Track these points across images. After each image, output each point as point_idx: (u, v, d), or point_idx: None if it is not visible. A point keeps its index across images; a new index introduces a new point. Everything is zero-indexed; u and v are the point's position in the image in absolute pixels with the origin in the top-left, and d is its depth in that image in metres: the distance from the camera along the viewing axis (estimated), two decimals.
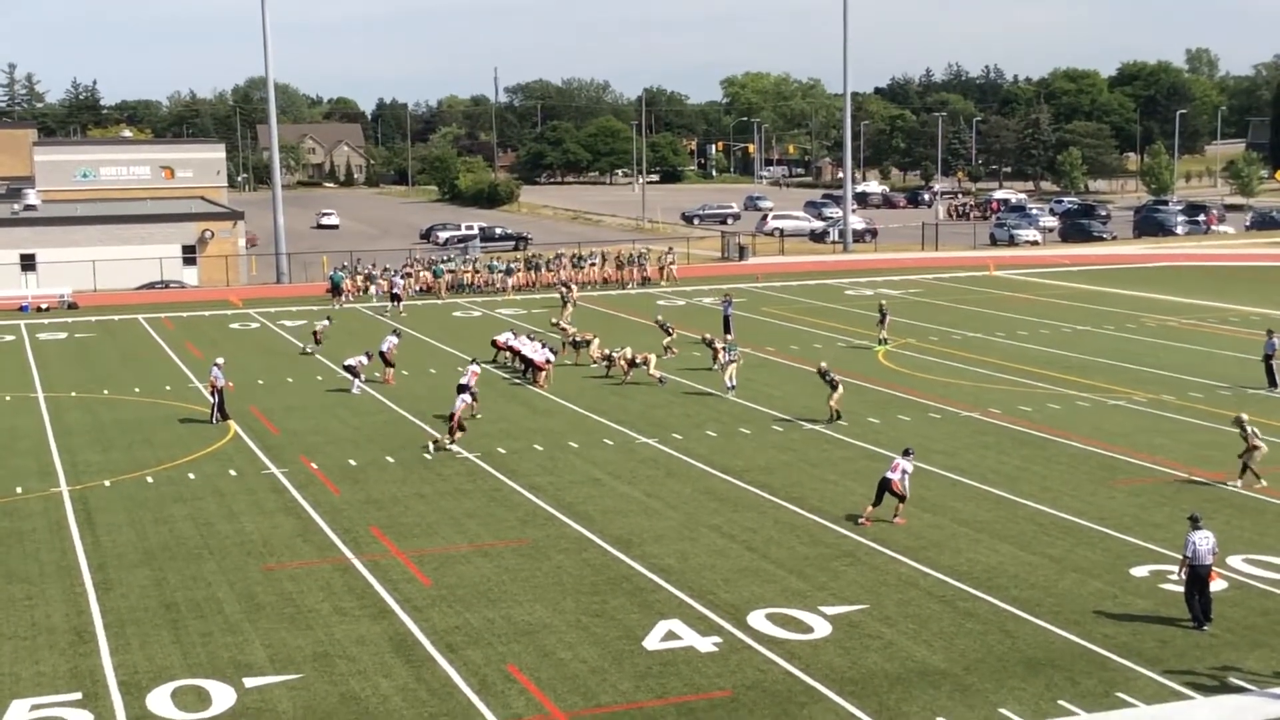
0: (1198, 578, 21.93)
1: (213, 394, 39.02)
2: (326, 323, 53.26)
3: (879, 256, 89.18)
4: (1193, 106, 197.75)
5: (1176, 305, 61.64)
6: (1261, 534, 26.87)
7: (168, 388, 44.78)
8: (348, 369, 43.01)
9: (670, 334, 48.21)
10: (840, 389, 37.14)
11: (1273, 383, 41.16)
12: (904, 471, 27.64)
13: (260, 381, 45.44)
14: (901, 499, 27.68)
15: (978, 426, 36.54)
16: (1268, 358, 41.67)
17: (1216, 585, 23.81)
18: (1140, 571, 24.74)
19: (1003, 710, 19.05)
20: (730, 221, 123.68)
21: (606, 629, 22.26)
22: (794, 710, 19.17)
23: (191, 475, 32.89)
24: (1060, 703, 19.27)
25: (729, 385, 41.12)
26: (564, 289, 61.78)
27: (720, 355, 43.05)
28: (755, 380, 43.28)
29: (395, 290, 64.23)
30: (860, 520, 27.77)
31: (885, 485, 27.60)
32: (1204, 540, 21.87)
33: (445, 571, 25.28)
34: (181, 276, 77.34)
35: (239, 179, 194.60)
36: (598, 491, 30.74)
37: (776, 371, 45.45)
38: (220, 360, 40.08)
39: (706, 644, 21.55)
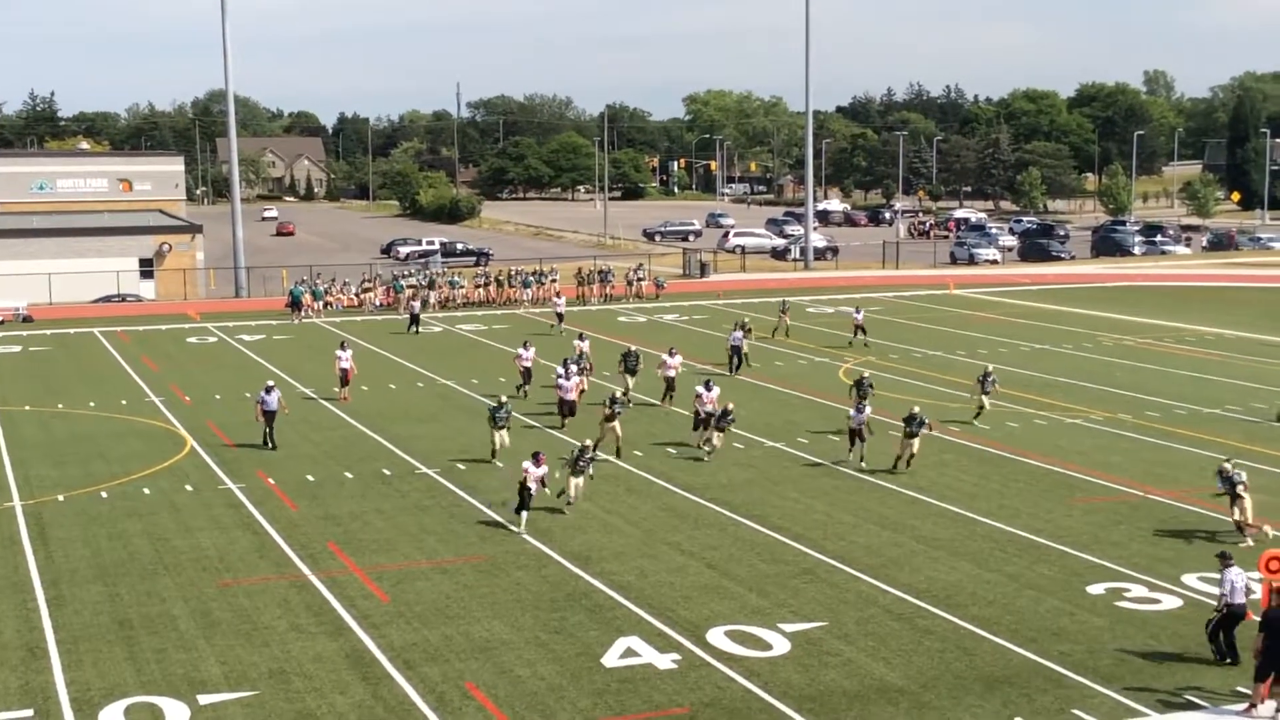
0: (1236, 618, 21.14)
1: (263, 419, 37.07)
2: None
3: (840, 274, 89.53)
4: (1150, 128, 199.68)
5: (1133, 325, 62.11)
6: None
7: (123, 402, 44.40)
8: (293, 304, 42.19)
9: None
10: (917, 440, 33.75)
11: None
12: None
13: (217, 396, 45.13)
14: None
15: (937, 444, 36.64)
16: None
17: (1172, 603, 24.00)
18: (1097, 589, 24.87)
19: None
20: (692, 238, 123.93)
21: (565, 646, 22.18)
22: None
23: (147, 490, 32.60)
24: (1017, 719, 19.35)
25: (710, 449, 35.54)
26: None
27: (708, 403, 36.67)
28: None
29: (414, 311, 61.57)
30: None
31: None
32: (1240, 578, 21.17)
33: (403, 588, 25.14)
34: (139, 290, 76.79)
35: (197, 192, 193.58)
36: (557, 507, 30.62)
37: (738, 389, 45.45)
38: (271, 383, 38.12)
39: (665, 661, 21.50)
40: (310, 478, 33.67)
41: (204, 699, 20.14)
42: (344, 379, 43.90)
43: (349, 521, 29.69)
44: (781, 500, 31.22)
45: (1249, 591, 21.29)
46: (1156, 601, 24.19)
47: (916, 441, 33.61)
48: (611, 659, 21.61)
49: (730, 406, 35.86)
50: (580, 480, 30.39)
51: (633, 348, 43.77)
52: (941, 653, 21.86)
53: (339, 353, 44.52)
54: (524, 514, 28.58)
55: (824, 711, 19.65)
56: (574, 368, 41.41)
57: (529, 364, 44.07)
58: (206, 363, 52.96)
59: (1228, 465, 28.20)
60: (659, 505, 30.86)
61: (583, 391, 41.29)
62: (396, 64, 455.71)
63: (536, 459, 28.86)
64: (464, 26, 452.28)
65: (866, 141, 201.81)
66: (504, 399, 36.06)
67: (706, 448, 35.38)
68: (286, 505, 31.10)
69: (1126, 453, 35.90)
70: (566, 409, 39.38)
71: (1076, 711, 19.59)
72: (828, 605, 24.09)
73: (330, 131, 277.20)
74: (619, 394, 37.44)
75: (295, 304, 66.49)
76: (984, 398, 39.78)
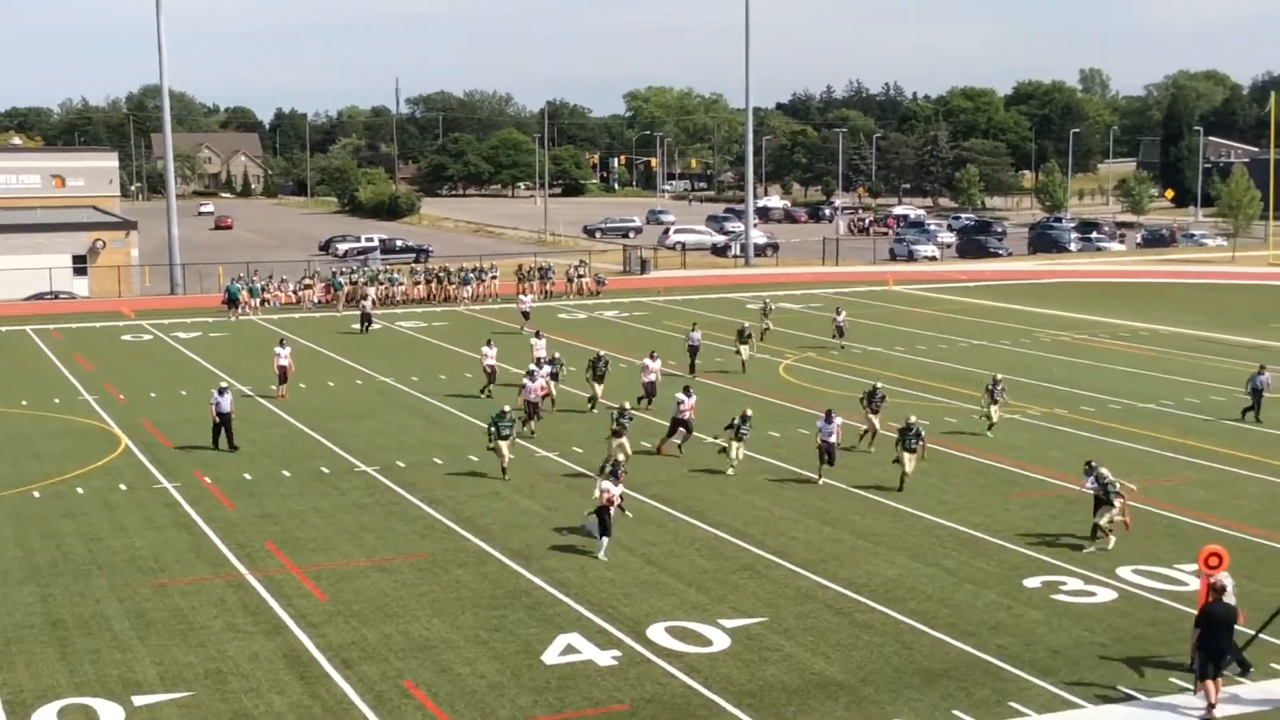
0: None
1: (217, 421, 36.20)
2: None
3: (780, 271, 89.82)
4: (1086, 126, 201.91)
5: (1070, 320, 62.74)
6: (1151, 545, 27.36)
7: (56, 400, 43.81)
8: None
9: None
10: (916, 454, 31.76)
11: (1257, 416, 39.33)
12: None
13: (153, 395, 44.64)
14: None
15: (876, 440, 36.79)
16: (1259, 392, 39.49)
17: (1107, 595, 24.25)
18: (1033, 582, 25.08)
19: None
20: (632, 235, 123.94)
21: (505, 644, 22.10)
22: None
23: (80, 490, 32.18)
24: (955, 713, 19.45)
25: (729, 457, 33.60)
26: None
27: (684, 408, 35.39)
28: (659, 395, 43.21)
29: (366, 311, 60.20)
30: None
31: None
32: (1229, 581, 20.57)
33: (342, 587, 24.95)
34: (72, 287, 75.82)
35: (132, 188, 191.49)
36: (498, 505, 30.54)
37: (677, 385, 45.41)
38: (224, 385, 37.42)
39: (605, 658, 21.48)
40: (247, 476, 33.37)
41: (139, 700, 19.90)
42: (282, 376, 43.57)
43: (287, 520, 29.44)
44: (721, 496, 31.25)
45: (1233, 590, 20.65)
46: (1092, 594, 24.43)
47: (911, 458, 31.52)
48: (552, 656, 21.55)
49: (748, 412, 33.85)
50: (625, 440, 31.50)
51: (601, 353, 42.48)
52: (880, 647, 21.97)
53: (277, 350, 44.15)
54: (605, 540, 26.50)
55: (764, 706, 19.69)
56: (545, 369, 40.39)
57: (493, 363, 43.60)
58: (141, 361, 52.37)
59: (1105, 471, 27.30)
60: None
61: (550, 397, 40.11)
62: (335, 60, 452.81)
63: (616, 476, 27.15)
64: (403, 22, 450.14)
65: (806, 139, 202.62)
66: (506, 408, 34.02)
67: (731, 458, 33.20)
68: (223, 504, 30.80)
69: (1062, 447, 36.22)
70: (530, 410, 37.62)
71: (1014, 704, 19.75)
72: (767, 601, 24.14)
73: (267, 127, 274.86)
74: (628, 405, 34.33)
75: (232, 301, 65.90)
76: (994, 408, 37.58)
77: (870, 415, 35.84)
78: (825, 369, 48.61)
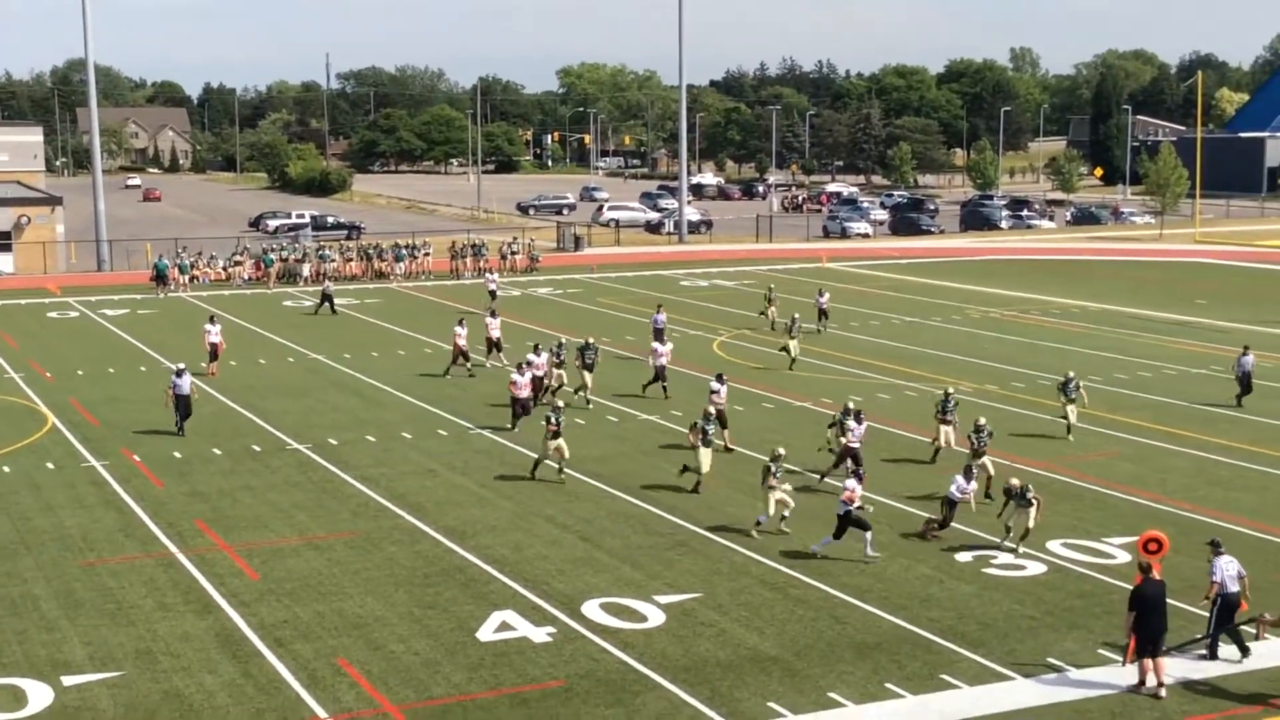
0: (1230, 607, 20.26)
1: (174, 404, 35.09)
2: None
3: (714, 248, 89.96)
4: (1016, 104, 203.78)
5: (1000, 297, 63.31)
6: (1080, 519, 27.71)
7: None
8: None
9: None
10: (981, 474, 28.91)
11: (1239, 400, 38.41)
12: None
13: (80, 372, 44.05)
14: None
15: (810, 416, 37.02)
16: (1248, 375, 38.38)
17: (1037, 569, 24.52)
18: (964, 557, 25.33)
19: (832, 694, 19.33)
20: (566, 212, 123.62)
21: (439, 621, 22.04)
22: (627, 699, 19.20)
23: (6, 469, 31.72)
24: (887, 685, 19.62)
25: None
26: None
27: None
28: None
29: (328, 292, 58.49)
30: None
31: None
32: (1230, 565, 20.39)
33: (274, 565, 24.77)
34: None
35: (57, 163, 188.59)
36: (431, 482, 30.42)
37: (610, 362, 45.43)
38: (181, 366, 36.28)
39: (540, 634, 21.47)
40: (177, 454, 33.01)
41: (68, 680, 19.67)
42: (213, 354, 43.14)
43: (217, 498, 29.17)
44: (655, 472, 31.28)
45: (1241, 577, 20.56)
46: (1022, 568, 24.70)
47: (989, 461, 29.40)
48: (486, 633, 21.52)
49: (850, 405, 31.31)
50: (710, 451, 29.35)
51: (590, 340, 40.42)
52: (814, 621, 22.11)
53: (207, 327, 43.73)
54: (869, 535, 25.01)
55: (698, 681, 19.77)
56: (542, 357, 38.36)
57: (464, 343, 42.56)
58: (68, 338, 51.65)
59: (1015, 481, 25.81)
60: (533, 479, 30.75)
61: (561, 386, 38.39)
62: (264, 34, 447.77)
63: (859, 476, 25.44)
64: None
65: (740, 116, 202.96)
66: (560, 403, 32.35)
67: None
68: (152, 483, 30.46)
69: (993, 422, 36.37)
70: (519, 408, 35.11)
71: (945, 676, 19.94)
72: (702, 576, 24.22)
73: (195, 102, 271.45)
74: (712, 411, 31.22)
75: (160, 278, 65.12)
76: (1070, 408, 34.47)
77: (942, 426, 32.28)
78: (759, 345, 48.75)
